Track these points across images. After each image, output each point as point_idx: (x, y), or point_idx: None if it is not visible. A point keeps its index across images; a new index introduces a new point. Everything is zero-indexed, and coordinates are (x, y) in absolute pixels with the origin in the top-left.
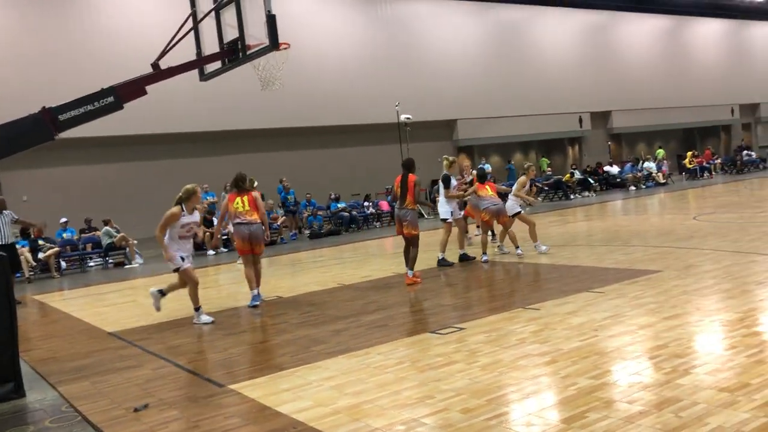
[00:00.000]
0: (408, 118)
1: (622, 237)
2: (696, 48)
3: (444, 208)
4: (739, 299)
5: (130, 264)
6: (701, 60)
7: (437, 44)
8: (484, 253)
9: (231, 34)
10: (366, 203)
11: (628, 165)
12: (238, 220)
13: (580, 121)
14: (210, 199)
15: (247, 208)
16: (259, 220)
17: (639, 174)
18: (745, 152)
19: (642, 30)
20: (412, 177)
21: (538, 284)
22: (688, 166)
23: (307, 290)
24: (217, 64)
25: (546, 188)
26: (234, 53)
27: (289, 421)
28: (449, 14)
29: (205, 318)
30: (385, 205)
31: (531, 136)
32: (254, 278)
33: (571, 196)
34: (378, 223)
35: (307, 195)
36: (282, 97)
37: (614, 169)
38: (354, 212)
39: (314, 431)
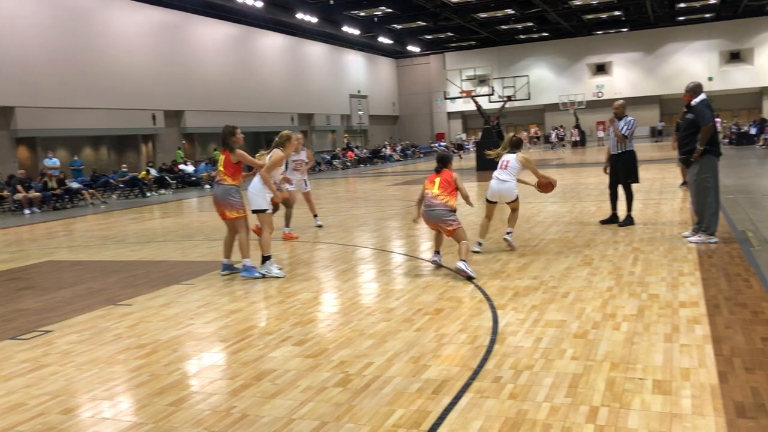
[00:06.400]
0: None
1: (204, 232)
2: (262, 58)
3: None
4: (312, 282)
5: None
6: (266, 70)
7: None
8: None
9: None
10: None
11: (203, 164)
12: None
13: (154, 118)
14: None
15: None
16: None
17: (214, 172)
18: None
19: (214, 35)
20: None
21: (127, 280)
22: None
23: None
24: None
25: (122, 185)
26: None
27: None
28: None
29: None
30: None
31: (103, 131)
32: None
33: (148, 194)
34: None
35: None
36: None
37: (189, 168)
38: None
39: None
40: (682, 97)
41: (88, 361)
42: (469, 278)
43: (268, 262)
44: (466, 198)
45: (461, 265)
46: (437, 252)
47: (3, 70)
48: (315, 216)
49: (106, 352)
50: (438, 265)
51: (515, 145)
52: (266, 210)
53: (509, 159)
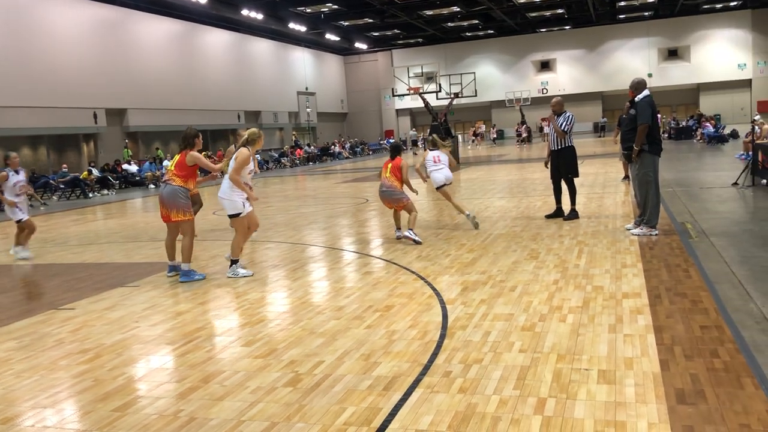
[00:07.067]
0: None
1: (149, 233)
2: (206, 55)
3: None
4: (261, 281)
5: None
6: (211, 67)
7: None
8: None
9: None
10: None
11: (147, 163)
12: None
13: (95, 117)
14: None
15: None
16: None
17: (159, 172)
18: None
19: (157, 31)
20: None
21: (70, 284)
22: None
23: None
24: None
25: (63, 186)
26: None
27: None
28: None
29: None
30: None
31: (41, 130)
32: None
33: (90, 195)
34: None
35: None
36: None
37: (133, 167)
38: None
39: None
40: (623, 93)
41: (28, 368)
42: (416, 242)
43: (235, 265)
44: (407, 183)
45: (408, 233)
46: (398, 228)
47: None
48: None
49: (48, 358)
50: (399, 237)
51: (435, 144)
52: (241, 214)
53: (437, 154)
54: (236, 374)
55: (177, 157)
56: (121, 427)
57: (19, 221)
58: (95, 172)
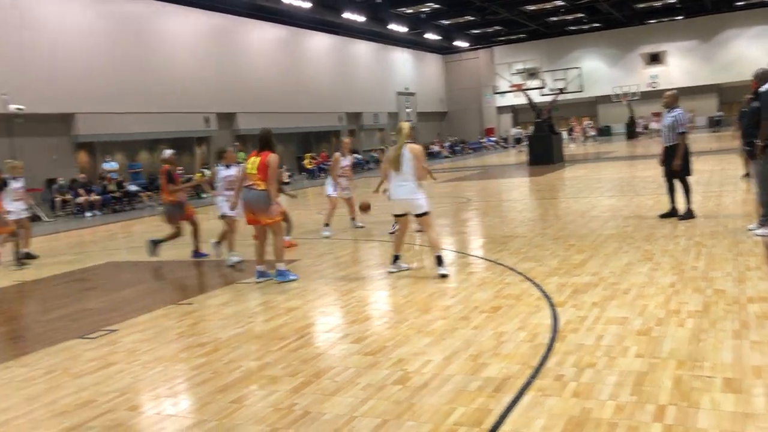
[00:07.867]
0: (20, 109)
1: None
2: (310, 59)
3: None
4: (365, 280)
5: None
6: (314, 70)
7: (54, 31)
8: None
9: None
10: None
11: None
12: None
13: (207, 121)
14: None
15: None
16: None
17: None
18: (354, 155)
19: (263, 37)
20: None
21: (186, 280)
22: (308, 166)
23: None
24: None
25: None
26: None
27: None
28: (67, 1)
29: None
30: None
31: (158, 134)
32: None
33: (203, 195)
34: None
35: None
36: None
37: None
38: None
39: None
40: (742, 84)
41: (153, 359)
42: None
43: (441, 263)
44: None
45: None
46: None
47: (63, 79)
48: (353, 219)
49: (170, 350)
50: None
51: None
52: (430, 211)
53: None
54: (347, 370)
55: (256, 160)
56: (239, 419)
57: (222, 216)
58: (207, 173)
